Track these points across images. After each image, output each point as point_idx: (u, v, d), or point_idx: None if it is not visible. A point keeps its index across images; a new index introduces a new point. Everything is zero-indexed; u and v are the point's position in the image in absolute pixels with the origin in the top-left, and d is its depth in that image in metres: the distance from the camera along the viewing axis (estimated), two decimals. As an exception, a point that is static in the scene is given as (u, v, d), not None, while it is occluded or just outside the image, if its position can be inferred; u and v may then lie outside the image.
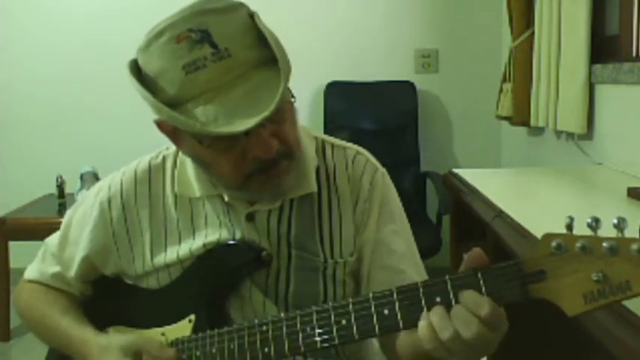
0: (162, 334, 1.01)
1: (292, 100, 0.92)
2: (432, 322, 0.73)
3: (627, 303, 0.84)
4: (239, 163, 0.89)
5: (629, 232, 0.66)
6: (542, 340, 1.52)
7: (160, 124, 0.93)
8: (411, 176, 3.19)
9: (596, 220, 0.67)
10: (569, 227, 0.69)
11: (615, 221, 0.65)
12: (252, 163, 0.89)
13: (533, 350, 1.56)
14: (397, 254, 1.03)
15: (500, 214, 1.47)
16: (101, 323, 1.06)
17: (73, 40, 3.41)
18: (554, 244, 0.69)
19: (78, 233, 1.10)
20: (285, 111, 0.89)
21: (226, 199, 1.00)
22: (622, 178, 1.81)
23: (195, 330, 0.99)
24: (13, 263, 2.77)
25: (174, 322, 1.01)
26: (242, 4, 0.89)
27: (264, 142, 0.87)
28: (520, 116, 2.66)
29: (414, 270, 1.03)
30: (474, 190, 1.73)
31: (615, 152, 2.03)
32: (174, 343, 0.99)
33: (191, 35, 0.83)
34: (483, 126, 3.35)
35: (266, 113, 0.81)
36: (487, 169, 2.85)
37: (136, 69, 0.89)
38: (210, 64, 0.82)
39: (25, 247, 2.52)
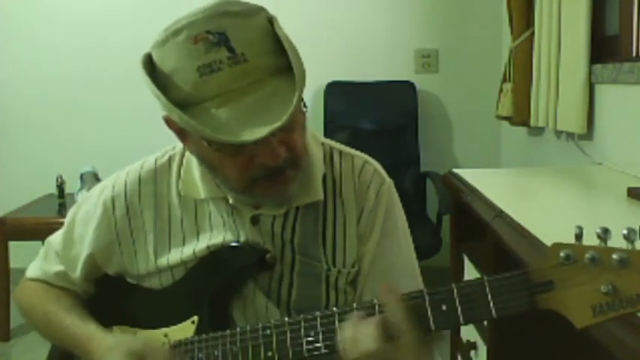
0: (165, 335, 1.01)
1: (304, 109, 0.92)
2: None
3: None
4: (245, 167, 0.89)
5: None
6: (542, 340, 1.52)
7: (168, 121, 0.92)
8: (411, 176, 3.19)
9: (606, 231, 0.66)
10: (579, 237, 0.68)
11: (625, 232, 0.64)
12: (258, 169, 0.88)
13: (534, 350, 1.56)
14: (396, 271, 1.03)
15: (500, 214, 1.47)
16: (104, 322, 1.06)
17: (73, 40, 3.41)
18: (562, 254, 0.68)
19: (82, 231, 1.10)
20: (296, 120, 0.88)
21: (231, 201, 0.99)
22: (622, 178, 1.81)
23: (198, 331, 0.98)
24: (13, 263, 2.78)
25: (177, 323, 1.01)
26: (262, 9, 0.88)
27: (272, 150, 0.86)
28: (520, 116, 2.66)
29: (411, 289, 1.03)
30: (473, 190, 1.73)
31: (615, 152, 2.03)
32: (177, 345, 0.99)
33: (208, 37, 0.82)
34: (483, 126, 3.35)
35: (278, 124, 0.80)
36: (487, 169, 2.85)
37: (149, 64, 0.88)
38: (226, 67, 0.82)
39: (25, 247, 2.52)
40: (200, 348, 0.95)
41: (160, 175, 1.06)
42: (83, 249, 1.09)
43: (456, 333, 2.01)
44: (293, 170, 0.92)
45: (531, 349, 1.56)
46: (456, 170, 2.02)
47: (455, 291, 0.75)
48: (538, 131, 2.76)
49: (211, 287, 1.00)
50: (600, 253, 0.66)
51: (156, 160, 1.07)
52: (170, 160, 1.06)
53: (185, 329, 1.00)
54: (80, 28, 3.41)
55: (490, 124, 3.26)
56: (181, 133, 0.93)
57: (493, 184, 1.81)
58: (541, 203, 1.68)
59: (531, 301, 0.71)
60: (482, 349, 1.68)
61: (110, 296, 1.11)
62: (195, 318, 0.99)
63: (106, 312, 1.08)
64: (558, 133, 2.51)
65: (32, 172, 3.42)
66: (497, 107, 2.87)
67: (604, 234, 0.66)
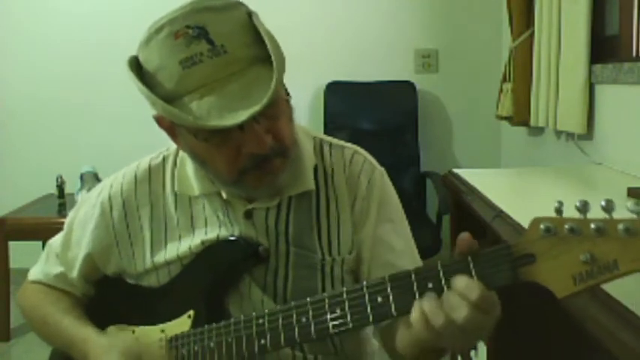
0: (162, 331, 1.02)
1: (287, 97, 0.94)
2: (424, 309, 0.74)
3: (628, 303, 0.84)
4: (233, 158, 0.91)
5: (617, 215, 0.66)
6: (542, 341, 1.52)
7: (159, 120, 0.95)
8: (411, 176, 3.19)
9: (585, 204, 0.67)
10: (559, 211, 0.70)
11: (603, 203, 0.65)
12: (246, 159, 0.91)
13: (534, 350, 1.56)
14: (396, 252, 1.04)
15: (500, 214, 1.47)
16: (102, 322, 1.07)
17: (73, 40, 3.42)
18: (542, 227, 0.70)
19: (80, 233, 1.11)
20: (279, 108, 0.91)
21: (224, 196, 1.01)
22: (622, 178, 1.81)
23: (194, 325, 1.00)
24: (13, 263, 2.77)
25: (174, 318, 1.02)
26: (241, 4, 0.90)
27: (258, 138, 0.88)
28: (520, 116, 2.66)
29: (413, 267, 1.03)
30: (473, 190, 1.74)
31: (615, 152, 2.03)
32: (173, 339, 1.00)
33: (188, 32, 0.85)
34: (483, 126, 3.35)
35: (257, 107, 0.83)
36: (487, 169, 2.85)
37: (136, 65, 0.91)
38: (207, 59, 0.85)
39: (25, 247, 2.52)
40: (195, 341, 0.97)
41: (155, 174, 1.08)
42: (81, 250, 1.10)
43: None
44: (281, 159, 0.93)
45: (531, 349, 1.56)
46: (456, 170, 2.02)
47: (439, 268, 0.76)
48: (538, 131, 2.76)
49: (206, 282, 1.01)
50: (579, 224, 0.67)
51: (150, 161, 1.10)
52: (164, 159, 1.09)
53: (181, 324, 1.01)
54: (80, 28, 3.41)
55: (490, 124, 3.26)
56: (172, 131, 0.96)
57: (493, 184, 1.81)
58: (541, 203, 1.68)
59: (514, 274, 0.72)
60: (483, 349, 1.68)
61: (108, 297, 1.12)
62: (192, 312, 1.01)
63: (104, 313, 1.09)
64: (558, 133, 2.51)
65: (32, 172, 3.42)
66: (497, 107, 2.88)
67: (583, 207, 0.67)
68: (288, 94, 0.94)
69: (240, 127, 0.86)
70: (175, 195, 1.06)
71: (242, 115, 0.83)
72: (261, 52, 0.87)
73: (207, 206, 1.04)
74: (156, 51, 0.87)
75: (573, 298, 0.69)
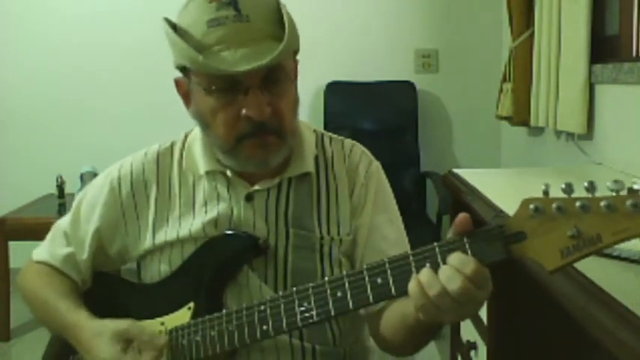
0: (162, 324, 1.03)
1: (295, 81, 1.03)
2: (420, 280, 0.78)
3: (628, 303, 0.84)
4: (233, 121, 0.97)
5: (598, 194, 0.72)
6: (542, 340, 1.52)
7: (178, 84, 1.05)
8: (411, 176, 3.20)
9: (570, 185, 0.73)
10: (546, 193, 0.75)
11: (586, 184, 0.72)
12: (243, 123, 0.97)
13: (533, 350, 1.56)
14: (390, 240, 1.08)
15: (500, 214, 1.47)
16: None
17: (73, 40, 3.42)
18: (532, 207, 0.75)
19: (89, 211, 1.14)
20: (285, 87, 0.99)
21: (229, 173, 1.05)
22: (622, 178, 1.81)
23: (194, 317, 1.01)
24: (13, 263, 2.77)
25: (174, 311, 1.03)
26: None
27: (258, 103, 0.95)
28: (520, 116, 2.66)
29: None
30: (473, 190, 1.73)
31: (615, 152, 2.03)
32: (173, 330, 1.01)
33: None
34: (483, 126, 3.35)
35: (262, 62, 0.91)
36: (487, 169, 2.85)
37: (172, 24, 1.00)
38: (230, 23, 0.94)
39: (25, 247, 2.51)
40: (196, 331, 0.98)
41: (163, 156, 1.13)
42: (90, 226, 1.13)
43: (456, 333, 2.01)
44: (277, 138, 0.99)
45: (531, 349, 1.56)
46: (456, 170, 2.02)
47: (436, 248, 0.80)
48: (538, 131, 2.76)
49: (206, 275, 1.03)
50: (565, 203, 0.73)
51: (159, 146, 1.16)
52: (172, 144, 1.15)
53: (182, 316, 1.02)
54: (80, 28, 3.41)
55: (490, 124, 3.26)
56: (186, 95, 1.04)
57: (493, 184, 1.81)
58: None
59: (507, 250, 0.77)
60: (483, 349, 1.68)
61: (108, 295, 1.14)
62: (192, 304, 1.02)
63: (104, 310, 1.09)
64: (558, 133, 2.51)
65: (32, 172, 3.42)
66: (497, 107, 2.88)
67: (568, 188, 0.73)
68: (296, 76, 1.04)
69: (245, 92, 0.95)
70: (181, 173, 1.10)
71: (248, 66, 0.91)
72: (279, 32, 0.96)
73: (211, 185, 1.08)
74: (191, 11, 0.97)
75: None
